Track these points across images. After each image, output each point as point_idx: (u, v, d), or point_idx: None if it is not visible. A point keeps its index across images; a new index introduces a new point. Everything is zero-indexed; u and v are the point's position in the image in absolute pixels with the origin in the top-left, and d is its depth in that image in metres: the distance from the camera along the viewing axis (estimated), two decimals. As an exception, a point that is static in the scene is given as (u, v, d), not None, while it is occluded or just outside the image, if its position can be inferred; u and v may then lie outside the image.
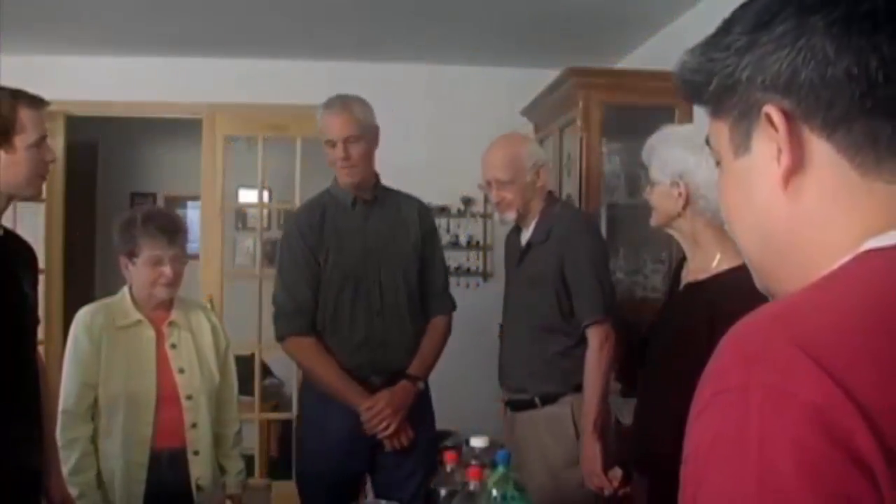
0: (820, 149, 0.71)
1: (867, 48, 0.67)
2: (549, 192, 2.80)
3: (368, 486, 2.84)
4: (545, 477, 2.57)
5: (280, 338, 2.73)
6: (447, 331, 2.84)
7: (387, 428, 2.58)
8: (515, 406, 2.72)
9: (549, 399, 2.62)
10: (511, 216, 2.74)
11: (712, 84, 0.76)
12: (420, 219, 2.82)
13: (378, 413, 2.58)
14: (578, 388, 2.57)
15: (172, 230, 2.43)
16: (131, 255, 2.39)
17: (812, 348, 0.61)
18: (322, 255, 2.71)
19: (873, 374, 0.60)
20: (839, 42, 0.68)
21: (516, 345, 2.74)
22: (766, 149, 0.73)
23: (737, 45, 0.73)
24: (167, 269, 2.39)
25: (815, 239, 0.72)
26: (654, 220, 2.09)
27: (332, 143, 2.66)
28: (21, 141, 1.99)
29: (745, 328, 0.67)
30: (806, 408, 0.59)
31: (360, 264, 2.69)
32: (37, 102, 2.06)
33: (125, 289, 2.48)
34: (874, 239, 0.69)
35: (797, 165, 0.71)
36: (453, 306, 2.88)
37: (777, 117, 0.71)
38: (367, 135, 2.70)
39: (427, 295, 2.80)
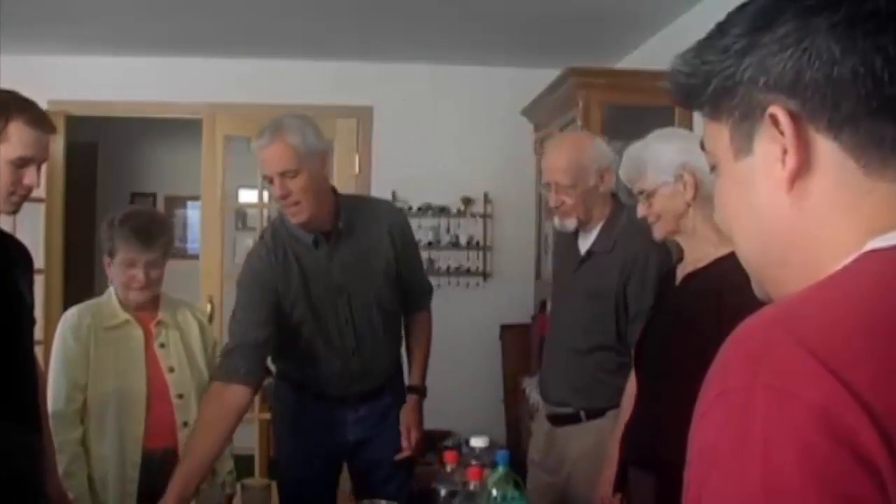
0: (825, 149, 0.70)
1: (872, 49, 0.67)
2: (614, 196, 2.57)
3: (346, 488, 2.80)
4: (585, 492, 2.43)
5: (214, 379, 2.38)
6: (430, 322, 2.76)
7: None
8: (557, 420, 2.57)
9: (594, 413, 2.48)
10: (571, 224, 2.54)
11: (710, 86, 0.75)
12: (392, 237, 2.56)
13: (417, 444, 2.58)
14: None
15: (147, 233, 2.35)
16: (110, 254, 2.38)
17: (816, 348, 0.61)
18: (289, 307, 2.46)
19: (878, 374, 0.60)
20: (844, 43, 0.67)
21: (562, 358, 2.58)
22: (770, 150, 0.72)
23: (735, 46, 0.73)
24: (139, 274, 2.34)
25: (818, 240, 0.72)
26: (660, 232, 2.06)
27: (270, 180, 2.34)
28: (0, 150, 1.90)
29: (747, 329, 0.67)
30: (810, 408, 0.59)
31: (330, 306, 2.50)
32: (39, 124, 1.95)
33: (111, 289, 2.46)
34: (877, 239, 0.68)
35: (803, 166, 0.71)
36: (431, 290, 2.80)
37: (783, 118, 0.70)
38: (309, 164, 2.33)
39: (409, 299, 2.69)
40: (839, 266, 0.69)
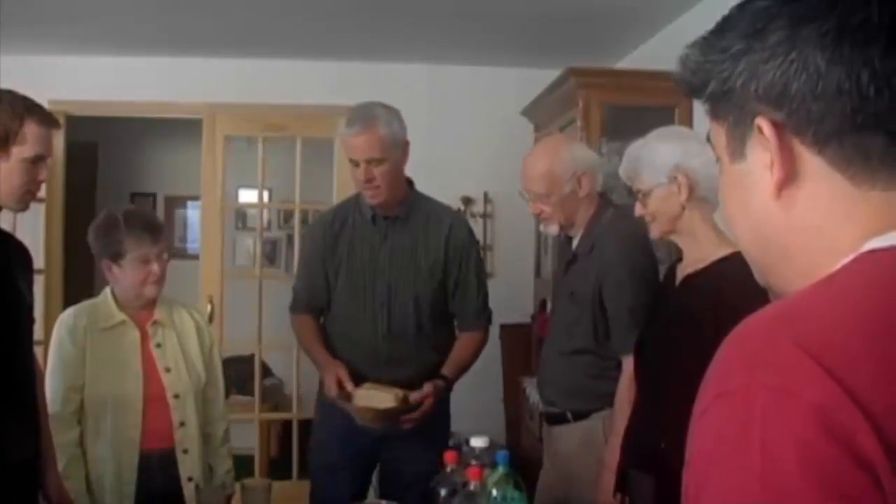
0: (812, 161, 0.71)
1: (858, 61, 0.66)
2: (601, 195, 2.54)
3: (374, 482, 2.83)
4: (570, 493, 2.47)
5: (292, 312, 2.84)
6: (480, 341, 2.75)
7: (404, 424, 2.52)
8: (550, 419, 2.61)
9: (580, 415, 2.50)
10: (553, 229, 2.56)
11: (708, 88, 0.76)
12: (448, 241, 2.65)
13: (413, 419, 2.51)
14: (612, 404, 2.39)
15: (155, 228, 2.42)
16: (116, 257, 2.36)
17: (814, 348, 0.61)
18: (333, 270, 2.66)
19: (876, 374, 0.60)
20: (831, 55, 0.67)
21: (551, 360, 2.61)
22: (760, 158, 0.73)
23: (733, 49, 0.73)
24: (155, 267, 2.37)
25: (811, 246, 0.73)
26: (656, 231, 2.07)
27: (355, 163, 2.53)
28: (17, 152, 1.98)
29: (746, 329, 0.67)
30: (809, 408, 0.59)
31: (370, 285, 2.62)
32: (48, 121, 2.05)
33: (107, 290, 2.45)
34: (875, 240, 0.69)
35: (789, 177, 0.72)
36: (486, 316, 2.78)
37: (768, 130, 0.71)
38: (394, 153, 2.54)
39: (460, 317, 2.71)
40: (838, 266, 0.69)
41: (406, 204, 2.66)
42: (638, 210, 2.08)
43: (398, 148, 2.56)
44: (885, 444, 0.58)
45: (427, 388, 2.53)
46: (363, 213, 2.66)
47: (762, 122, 0.71)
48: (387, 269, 2.62)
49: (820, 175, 0.71)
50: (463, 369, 2.69)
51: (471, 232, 2.80)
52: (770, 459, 0.59)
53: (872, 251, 0.68)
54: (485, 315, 2.77)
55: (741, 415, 0.61)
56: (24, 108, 2.01)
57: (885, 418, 0.58)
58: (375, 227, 2.65)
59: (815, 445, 0.58)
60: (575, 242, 2.55)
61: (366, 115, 2.53)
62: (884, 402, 0.59)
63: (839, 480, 0.58)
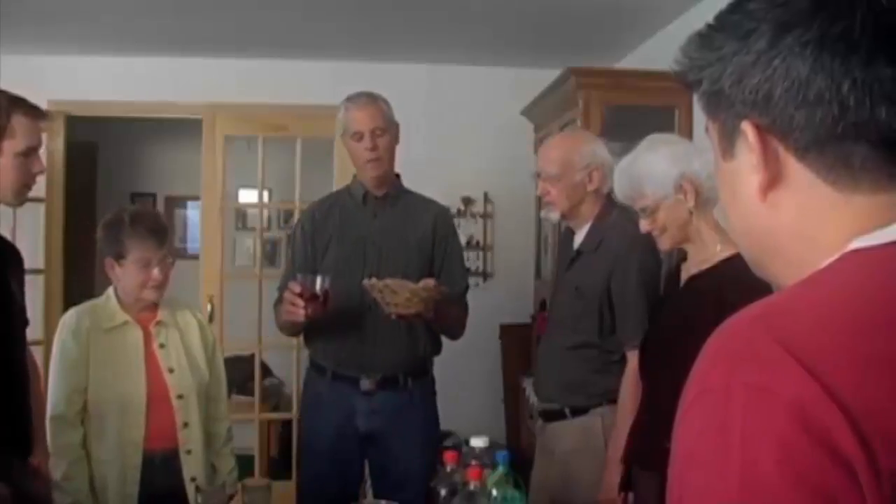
0: (795, 166, 0.71)
1: (839, 71, 0.67)
2: (608, 196, 2.57)
3: (368, 485, 2.83)
4: (568, 490, 2.47)
5: (275, 306, 2.78)
6: (464, 307, 2.82)
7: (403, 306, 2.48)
8: (546, 416, 2.62)
9: (579, 411, 2.51)
10: (553, 215, 2.62)
11: (702, 86, 0.77)
12: (435, 223, 2.78)
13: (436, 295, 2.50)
14: (612, 400, 2.42)
15: (160, 231, 2.40)
16: (118, 256, 2.35)
17: (795, 347, 0.62)
18: (322, 249, 2.73)
19: (855, 372, 0.61)
20: (812, 64, 0.67)
21: (552, 356, 2.62)
22: (747, 159, 0.74)
23: (724, 49, 0.73)
24: (156, 272, 2.35)
25: (797, 246, 0.74)
26: (667, 243, 2.07)
27: (360, 136, 2.66)
28: (9, 147, 1.98)
29: (729, 328, 0.68)
30: (788, 406, 0.60)
31: (357, 259, 2.67)
32: (35, 112, 2.04)
33: (110, 290, 2.44)
34: (860, 239, 0.69)
35: (773, 180, 0.72)
36: (467, 289, 2.87)
37: (751, 135, 0.72)
38: (392, 129, 2.73)
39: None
40: (822, 264, 0.70)
41: (396, 187, 2.80)
42: (645, 226, 2.06)
43: (395, 127, 2.74)
44: (863, 443, 0.58)
45: (429, 280, 2.55)
46: (353, 196, 2.79)
47: (746, 127, 0.72)
48: (377, 243, 2.70)
49: (803, 180, 0.71)
50: (452, 307, 2.71)
51: (452, 218, 3.01)
52: (749, 456, 0.60)
53: (857, 250, 0.69)
54: (465, 288, 2.88)
55: (721, 412, 0.62)
56: (8, 101, 2.00)
57: (864, 416, 0.59)
58: (366, 206, 2.76)
59: (793, 444, 0.59)
60: (579, 239, 2.58)
61: (366, 93, 2.75)
62: (864, 401, 0.59)
63: (816, 477, 0.58)
